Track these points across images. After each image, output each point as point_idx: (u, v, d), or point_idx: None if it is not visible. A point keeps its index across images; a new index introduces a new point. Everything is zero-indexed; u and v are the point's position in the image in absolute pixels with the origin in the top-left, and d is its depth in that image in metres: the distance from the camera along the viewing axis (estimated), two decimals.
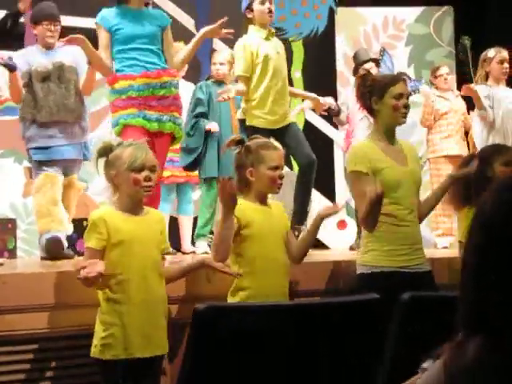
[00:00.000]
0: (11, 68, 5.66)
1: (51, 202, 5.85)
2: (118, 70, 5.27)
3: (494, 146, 5.18)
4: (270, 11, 6.06)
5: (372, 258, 4.46)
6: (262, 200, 4.32)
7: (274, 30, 6.13)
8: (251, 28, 6.01)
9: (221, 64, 6.68)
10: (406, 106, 4.42)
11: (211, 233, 6.57)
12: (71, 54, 5.96)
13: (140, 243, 4.00)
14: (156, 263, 4.08)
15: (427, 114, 7.05)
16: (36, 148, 5.95)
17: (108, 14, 5.24)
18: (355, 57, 7.44)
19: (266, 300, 4.09)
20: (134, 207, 4.03)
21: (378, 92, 4.44)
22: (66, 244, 5.85)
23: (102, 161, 4.08)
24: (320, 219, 4.36)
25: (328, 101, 6.83)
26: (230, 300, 4.21)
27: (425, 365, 1.95)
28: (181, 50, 5.58)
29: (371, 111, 4.53)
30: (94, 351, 3.92)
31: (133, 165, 3.93)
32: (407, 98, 4.43)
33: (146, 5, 5.42)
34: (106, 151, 4.04)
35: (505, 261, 1.77)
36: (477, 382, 1.77)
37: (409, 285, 3.96)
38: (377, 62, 7.34)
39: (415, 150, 4.82)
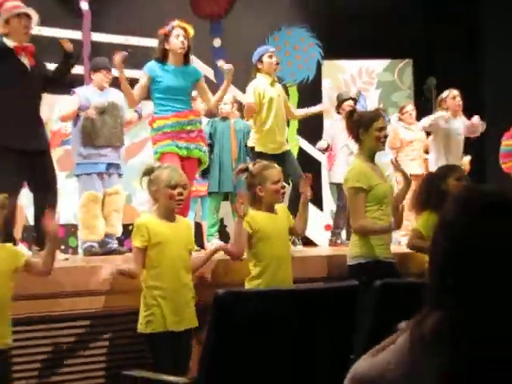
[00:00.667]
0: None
1: (92, 217, 5.88)
2: (156, 113, 5.35)
3: (448, 165, 5.24)
4: (277, 63, 6.18)
5: (360, 252, 4.41)
6: (271, 209, 4.30)
7: (276, 79, 6.23)
8: (259, 75, 6.08)
9: (225, 104, 6.56)
10: (385, 136, 4.51)
11: (218, 231, 6.70)
12: (118, 96, 6.05)
13: (172, 244, 4.00)
14: (184, 260, 4.07)
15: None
16: (89, 163, 5.91)
17: (154, 66, 5.31)
18: (338, 97, 7.36)
19: (275, 286, 4.04)
20: (168, 216, 4.03)
21: (365, 125, 4.43)
22: (114, 245, 5.95)
23: (145, 179, 4.10)
24: (305, 200, 4.55)
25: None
26: (247, 286, 4.19)
27: (401, 325, 1.88)
28: (214, 96, 5.60)
29: (358, 140, 4.51)
30: (140, 328, 3.94)
31: (169, 183, 3.96)
32: (385, 130, 4.53)
33: (186, 61, 5.38)
34: (148, 172, 4.10)
35: (461, 259, 1.72)
36: (432, 349, 1.69)
37: (386, 272, 4.13)
38: (354, 100, 7.24)
39: (384, 170, 4.91)
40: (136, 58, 7.09)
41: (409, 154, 7.26)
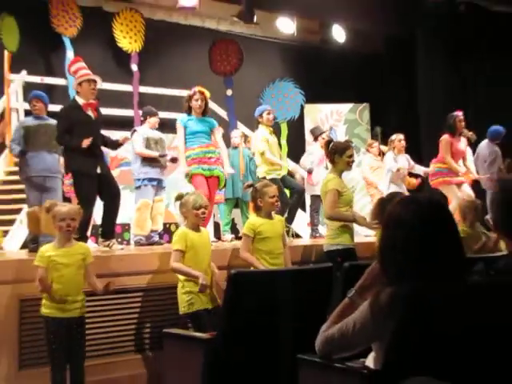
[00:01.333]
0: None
1: (144, 218, 5.84)
2: (187, 146, 5.27)
3: (394, 192, 4.94)
4: (274, 119, 6.37)
5: (333, 242, 4.45)
6: (269, 216, 4.28)
7: (272, 130, 6.31)
8: (261, 126, 6.17)
9: (235, 137, 6.67)
10: (353, 161, 4.55)
11: (231, 228, 6.67)
12: (161, 134, 6.21)
13: (200, 248, 3.96)
14: (208, 258, 4.03)
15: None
16: (146, 179, 5.88)
17: (184, 118, 5.33)
18: (314, 131, 7.23)
19: (272, 267, 4.14)
20: (195, 228, 3.99)
21: (339, 152, 4.48)
22: (156, 238, 5.88)
23: (177, 203, 4.14)
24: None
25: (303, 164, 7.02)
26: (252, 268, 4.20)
27: (349, 294, 1.88)
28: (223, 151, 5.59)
29: (333, 162, 4.55)
30: (183, 310, 3.87)
31: (195, 206, 3.94)
32: (353, 157, 4.59)
33: (204, 114, 5.36)
34: (179, 198, 4.10)
35: (404, 243, 1.71)
36: (388, 315, 1.65)
37: (351, 256, 4.26)
38: (325, 133, 7.12)
39: (353, 183, 4.87)
40: (173, 102, 7.20)
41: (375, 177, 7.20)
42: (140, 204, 5.78)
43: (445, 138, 6.39)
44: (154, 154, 5.89)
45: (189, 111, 5.31)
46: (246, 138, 7.09)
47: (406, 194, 5.48)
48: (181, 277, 3.87)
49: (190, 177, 5.15)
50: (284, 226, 4.44)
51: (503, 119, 7.00)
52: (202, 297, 3.83)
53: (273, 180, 5.56)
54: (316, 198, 6.60)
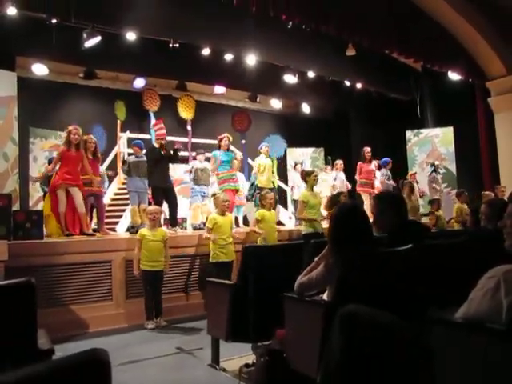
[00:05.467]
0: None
1: (197, 215, 5.62)
2: (219, 171, 5.17)
3: (339, 192, 5.00)
4: (268, 150, 6.00)
5: (307, 228, 4.28)
6: (269, 210, 4.27)
7: (269, 156, 6.04)
8: (260, 155, 5.88)
9: (236, 159, 6.24)
10: (317, 180, 4.44)
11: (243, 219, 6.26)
12: (207, 164, 5.80)
13: (224, 226, 3.88)
14: (230, 231, 3.93)
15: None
16: (197, 191, 5.62)
17: (216, 152, 5.19)
18: (294, 163, 7.40)
19: (270, 241, 4.11)
20: (222, 213, 3.92)
21: (308, 175, 4.38)
22: (202, 225, 5.41)
23: (211, 199, 4.13)
24: None
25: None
26: (259, 243, 4.12)
27: (316, 258, 1.78)
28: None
29: (306, 181, 4.43)
30: (211, 260, 3.86)
31: (224, 199, 3.91)
32: (317, 176, 4.46)
33: (228, 149, 5.25)
34: (214, 195, 4.16)
35: (341, 226, 1.68)
36: (332, 271, 1.63)
37: (318, 236, 3.97)
38: (300, 164, 7.18)
39: (318, 193, 4.58)
40: (210, 147, 7.02)
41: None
42: (194, 206, 5.69)
43: (358, 164, 6.42)
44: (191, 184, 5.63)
45: (219, 148, 5.25)
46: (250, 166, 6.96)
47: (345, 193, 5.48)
48: (214, 239, 3.81)
49: (223, 190, 5.05)
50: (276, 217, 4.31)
51: (392, 154, 7.12)
52: (222, 253, 3.73)
53: (265, 188, 5.43)
54: (297, 201, 6.36)
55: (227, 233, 3.88)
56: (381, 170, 6.77)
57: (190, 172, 5.83)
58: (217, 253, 3.78)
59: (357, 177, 6.44)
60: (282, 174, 7.91)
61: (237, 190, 5.22)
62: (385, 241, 1.82)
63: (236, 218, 6.42)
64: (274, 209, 5.21)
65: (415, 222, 2.48)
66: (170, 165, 4.87)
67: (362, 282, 1.60)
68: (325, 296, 1.77)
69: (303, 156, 8.71)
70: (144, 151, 5.17)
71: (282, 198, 7.65)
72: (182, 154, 5.56)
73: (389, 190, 6.16)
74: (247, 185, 6.84)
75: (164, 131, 4.91)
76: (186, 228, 6.07)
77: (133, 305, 3.79)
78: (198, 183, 5.73)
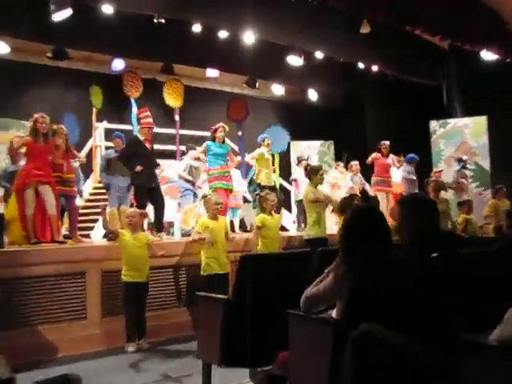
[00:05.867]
0: None
1: (189, 218, 5.58)
2: (209, 166, 5.20)
3: (352, 194, 4.85)
4: (270, 143, 6.08)
5: (310, 234, 4.41)
6: (270, 214, 4.30)
7: (270, 150, 6.15)
8: (261, 147, 5.95)
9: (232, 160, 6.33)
10: (323, 179, 4.55)
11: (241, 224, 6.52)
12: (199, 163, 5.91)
13: (217, 230, 3.92)
14: (224, 238, 3.97)
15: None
16: (188, 190, 5.70)
17: (209, 143, 5.19)
18: (298, 158, 7.33)
19: (272, 250, 4.11)
20: (214, 217, 3.97)
21: (314, 172, 4.47)
22: (192, 230, 5.46)
23: (201, 201, 4.19)
24: None
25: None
26: (259, 251, 4.17)
27: (326, 269, 1.82)
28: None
29: (310, 179, 4.52)
30: (203, 272, 3.87)
31: (216, 202, 3.95)
32: (323, 174, 4.57)
33: (223, 142, 5.26)
34: (204, 197, 4.19)
35: (354, 230, 1.73)
36: (343, 283, 1.65)
37: (323, 243, 4.13)
38: (305, 160, 7.08)
39: (324, 192, 4.75)
40: (202, 140, 7.03)
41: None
42: (186, 208, 5.69)
43: (374, 154, 6.54)
44: (189, 178, 5.77)
45: (213, 139, 5.21)
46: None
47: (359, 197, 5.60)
48: (202, 248, 3.82)
49: (214, 189, 5.03)
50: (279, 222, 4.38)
51: (414, 148, 7.06)
52: (215, 264, 3.75)
53: (266, 186, 5.47)
54: (300, 203, 6.41)
55: (221, 240, 3.87)
56: (403, 166, 6.83)
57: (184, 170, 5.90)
58: (209, 264, 3.78)
59: (369, 161, 6.55)
60: (285, 172, 7.87)
61: (230, 190, 5.21)
62: (408, 250, 1.81)
63: (231, 222, 6.45)
64: (278, 212, 5.25)
65: (449, 232, 2.51)
66: (165, 161, 5.05)
67: (377, 290, 1.61)
68: (334, 313, 1.77)
69: (309, 150, 8.72)
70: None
71: (286, 196, 7.59)
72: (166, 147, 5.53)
73: (413, 190, 6.20)
74: (244, 183, 6.86)
75: (151, 120, 4.92)
76: (173, 234, 6.13)
77: (111, 324, 3.77)
78: (189, 183, 5.81)
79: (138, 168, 4.63)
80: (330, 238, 4.42)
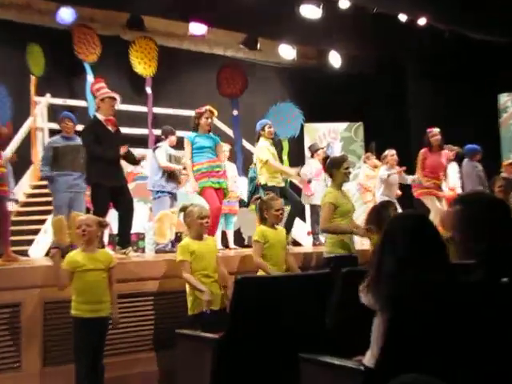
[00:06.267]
0: None
1: (165, 228, 5.63)
2: (194, 161, 5.15)
3: (386, 201, 4.78)
4: (274, 133, 6.17)
5: (331, 249, 4.37)
6: (273, 226, 4.26)
7: (273, 141, 6.19)
8: (262, 139, 5.99)
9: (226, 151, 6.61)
10: (350, 173, 4.55)
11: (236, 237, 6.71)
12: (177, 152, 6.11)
13: (205, 254, 3.89)
14: (213, 263, 3.94)
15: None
16: (165, 191, 5.81)
17: (191, 135, 5.21)
18: (310, 147, 7.31)
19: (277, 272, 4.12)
20: (199, 236, 3.93)
21: (336, 166, 4.46)
22: (169, 246, 5.62)
23: (181, 214, 4.09)
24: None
25: (303, 172, 6.79)
26: (259, 273, 4.16)
27: (361, 288, 1.87)
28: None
29: (331, 175, 4.54)
30: (190, 311, 3.83)
31: (200, 216, 3.89)
32: (350, 170, 4.57)
33: (210, 130, 5.30)
34: (184, 209, 4.02)
35: (397, 252, 1.76)
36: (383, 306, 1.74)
37: (350, 263, 4.07)
38: (322, 149, 7.15)
39: (349, 195, 4.82)
40: (185, 122, 6.94)
41: (371, 188, 7.24)
42: (160, 215, 5.69)
43: (421, 152, 6.43)
44: (179, 167, 5.85)
45: (196, 128, 5.26)
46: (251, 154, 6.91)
47: (396, 203, 5.49)
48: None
49: (201, 189, 5.07)
50: (285, 237, 4.39)
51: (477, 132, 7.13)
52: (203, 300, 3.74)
53: (272, 188, 5.56)
54: (315, 208, 6.52)
55: (210, 267, 3.89)
56: (464, 163, 6.78)
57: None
58: (197, 301, 3.81)
59: (418, 172, 6.48)
60: (295, 164, 7.69)
61: (223, 190, 5.23)
62: (474, 272, 1.80)
63: (223, 234, 6.51)
64: (289, 225, 5.48)
65: None
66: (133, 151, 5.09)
67: (429, 329, 1.62)
68: (367, 357, 1.81)
69: (329, 136, 8.83)
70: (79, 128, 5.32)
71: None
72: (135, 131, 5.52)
73: (480, 191, 6.16)
74: (242, 182, 6.98)
75: (108, 90, 4.97)
76: (143, 249, 6.28)
77: (55, 376, 3.74)
78: (168, 179, 5.86)
79: (123, 149, 4.71)
80: (359, 256, 4.44)
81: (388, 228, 1.84)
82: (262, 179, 5.87)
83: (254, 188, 6.16)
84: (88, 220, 3.63)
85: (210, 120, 5.24)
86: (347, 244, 4.35)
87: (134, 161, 5.28)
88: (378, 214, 4.43)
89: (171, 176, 5.87)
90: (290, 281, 2.87)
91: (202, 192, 5.06)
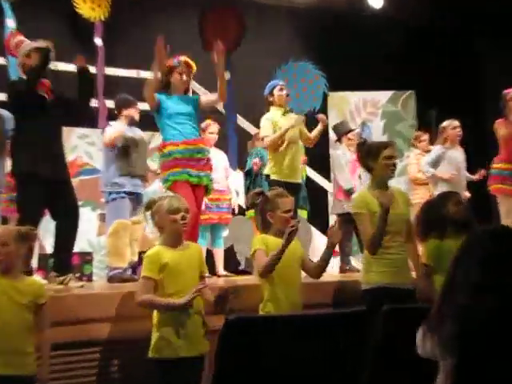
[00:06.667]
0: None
1: (122, 245, 5.79)
2: (165, 139, 5.23)
3: (444, 192, 5.11)
4: (287, 95, 6.22)
5: (372, 277, 4.37)
6: (279, 235, 4.11)
7: (288, 108, 6.24)
8: (272, 108, 6.12)
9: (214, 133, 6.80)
10: (394, 165, 4.44)
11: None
12: (142, 134, 6.25)
13: (184, 269, 3.88)
14: (195, 283, 3.88)
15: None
16: (121, 192, 5.87)
17: (160, 95, 5.22)
18: (337, 128, 7.28)
19: (286, 309, 4.04)
20: (176, 242, 3.93)
21: (373, 154, 4.45)
22: (129, 272, 5.83)
23: (149, 213, 4.09)
24: (332, 246, 4.26)
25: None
26: (261, 312, 4.10)
27: (419, 335, 2.02)
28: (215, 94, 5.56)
29: (369, 169, 4.54)
30: (152, 354, 3.80)
31: (171, 209, 3.88)
32: (395, 159, 4.48)
33: (186, 92, 5.42)
34: (150, 205, 4.04)
35: (471, 277, 1.92)
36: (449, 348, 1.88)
37: (401, 298, 4.08)
38: (354, 131, 7.21)
39: (405, 195, 4.76)
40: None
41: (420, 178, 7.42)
42: (116, 225, 5.75)
43: (496, 122, 6.68)
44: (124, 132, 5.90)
45: (166, 86, 5.30)
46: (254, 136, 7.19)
47: (462, 194, 5.58)
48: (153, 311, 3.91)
49: (171, 185, 5.10)
50: (303, 252, 4.35)
51: None
52: (179, 339, 3.79)
53: (280, 183, 5.53)
54: (344, 216, 6.53)
55: (188, 286, 3.88)
56: None
57: (113, 147, 6.04)
58: (166, 340, 3.83)
59: (498, 161, 6.69)
60: (319, 152, 7.86)
61: (204, 188, 5.32)
62: None
63: (209, 255, 6.54)
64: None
65: None
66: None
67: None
68: None
69: (365, 111, 8.86)
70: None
71: (317, 205, 7.64)
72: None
73: None
74: (237, 178, 7.24)
75: (35, 42, 5.01)
76: (90, 277, 6.41)
77: None
78: (128, 174, 5.95)
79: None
80: (414, 287, 4.45)
81: (463, 252, 2.00)
82: (267, 168, 6.02)
83: (251, 181, 6.11)
84: (3, 235, 3.57)
85: (185, 77, 5.29)
86: (398, 270, 4.33)
87: (88, 94, 5.32)
88: (431, 215, 4.54)
89: (133, 169, 5.89)
90: (307, 323, 2.87)
91: (171, 188, 5.06)
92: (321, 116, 6.27)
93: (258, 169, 6.77)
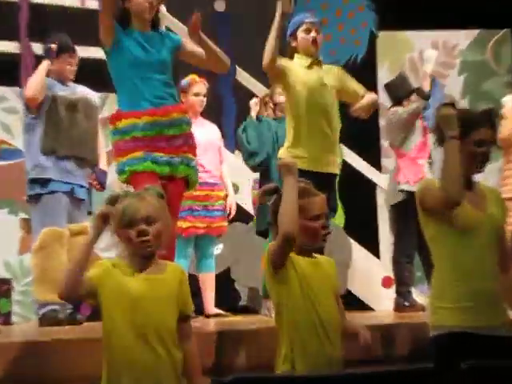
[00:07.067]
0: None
1: (53, 266, 5.86)
2: (120, 105, 5.30)
3: None
4: (314, 41, 6.15)
5: (447, 317, 4.24)
6: (306, 252, 4.18)
7: (320, 59, 6.28)
8: (296, 56, 6.19)
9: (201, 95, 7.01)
10: (483, 154, 4.26)
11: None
12: (88, 92, 6.40)
13: (146, 304, 3.86)
14: (168, 328, 3.88)
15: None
16: (48, 180, 6.06)
17: (122, 34, 5.28)
18: (394, 85, 7.66)
19: (316, 366, 4.03)
20: (139, 264, 3.90)
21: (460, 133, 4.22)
22: (68, 309, 5.99)
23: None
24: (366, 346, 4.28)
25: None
26: (278, 370, 4.08)
27: None
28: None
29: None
30: None
31: (122, 221, 3.87)
32: (487, 146, 4.27)
33: (155, 26, 5.43)
34: (112, 203, 4.00)
35: None
36: None
37: (487, 349, 4.00)
38: (419, 90, 7.54)
39: (496, 192, 4.64)
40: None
41: None
42: (44, 236, 5.93)
43: None
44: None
45: (122, 20, 5.28)
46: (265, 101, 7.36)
47: None
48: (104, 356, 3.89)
49: (128, 175, 5.17)
50: (338, 283, 4.43)
51: None
52: None
53: (304, 172, 5.40)
54: (407, 222, 6.80)
55: (162, 326, 3.92)
56: None
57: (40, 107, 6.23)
58: None
59: None
60: (363, 129, 8.08)
61: (185, 180, 5.46)
62: None
63: (191, 281, 6.70)
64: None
65: None
66: None
67: None
68: None
69: (437, 62, 8.75)
70: None
71: (361, 205, 8.24)
72: None
73: None
74: (236, 163, 7.67)
75: None
76: (7, 318, 6.67)
77: None
78: (63, 156, 6.19)
79: None
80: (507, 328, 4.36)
81: None
82: (283, 151, 6.15)
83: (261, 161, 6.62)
84: None
85: (155, 2, 5.30)
86: (487, 306, 4.18)
87: None
88: None
89: (70, 149, 6.11)
90: None
91: (129, 183, 5.23)
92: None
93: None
